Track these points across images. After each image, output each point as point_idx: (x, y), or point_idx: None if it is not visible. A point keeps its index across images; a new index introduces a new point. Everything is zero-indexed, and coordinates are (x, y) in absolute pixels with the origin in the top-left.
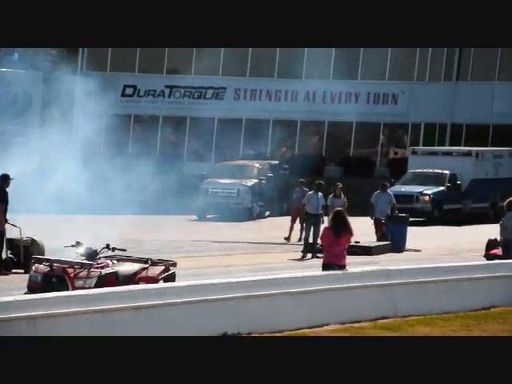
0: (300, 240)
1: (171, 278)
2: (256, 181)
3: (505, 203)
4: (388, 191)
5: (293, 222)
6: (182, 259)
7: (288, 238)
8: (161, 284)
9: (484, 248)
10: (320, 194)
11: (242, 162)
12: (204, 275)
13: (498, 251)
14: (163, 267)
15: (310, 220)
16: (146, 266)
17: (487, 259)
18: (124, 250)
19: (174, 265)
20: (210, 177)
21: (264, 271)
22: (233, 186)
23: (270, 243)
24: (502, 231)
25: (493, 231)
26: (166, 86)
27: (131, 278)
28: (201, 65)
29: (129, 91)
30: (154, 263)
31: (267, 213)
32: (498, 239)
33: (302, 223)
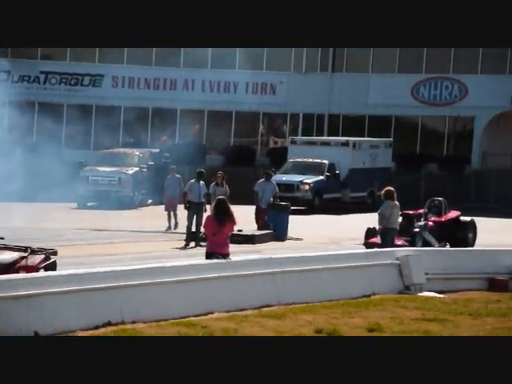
0: (169, 229)
1: (52, 266)
2: (137, 169)
3: (382, 192)
4: (272, 180)
5: (168, 210)
6: (62, 248)
7: (169, 228)
8: (41, 273)
9: (363, 236)
10: (202, 182)
11: (122, 149)
12: (86, 264)
13: (377, 239)
14: (43, 256)
15: (192, 208)
16: (26, 254)
17: (366, 247)
18: (2, 239)
19: (55, 253)
20: (90, 165)
21: (147, 260)
22: (113, 174)
23: (153, 231)
24: (380, 220)
25: (371, 220)
26: (41, 72)
27: (10, 267)
28: (76, 51)
29: (2, 76)
30: (34, 252)
31: (149, 201)
32: (377, 228)
33: (169, 212)
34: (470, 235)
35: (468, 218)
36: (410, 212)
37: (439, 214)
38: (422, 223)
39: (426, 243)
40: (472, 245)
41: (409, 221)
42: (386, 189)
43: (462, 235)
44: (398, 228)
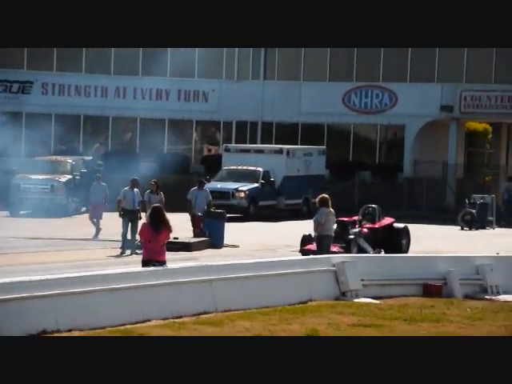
0: (96, 236)
1: None
2: (70, 176)
3: (317, 199)
4: (205, 188)
5: (91, 218)
6: None
7: (96, 235)
8: None
9: (299, 243)
10: (136, 190)
11: (54, 157)
12: (19, 272)
13: (313, 246)
14: None
15: (126, 216)
16: None
17: (302, 254)
18: None
19: None
20: (21, 172)
21: (82, 268)
22: (46, 181)
23: (87, 239)
24: (316, 227)
25: (307, 227)
26: None
27: None
28: (3, 57)
29: None
30: None
31: (83, 209)
32: (312, 235)
33: (92, 220)
34: (404, 241)
35: (401, 225)
36: (345, 219)
37: (373, 221)
38: (356, 230)
39: (361, 250)
40: (406, 251)
41: (343, 228)
42: (321, 196)
43: (396, 242)
44: (333, 235)
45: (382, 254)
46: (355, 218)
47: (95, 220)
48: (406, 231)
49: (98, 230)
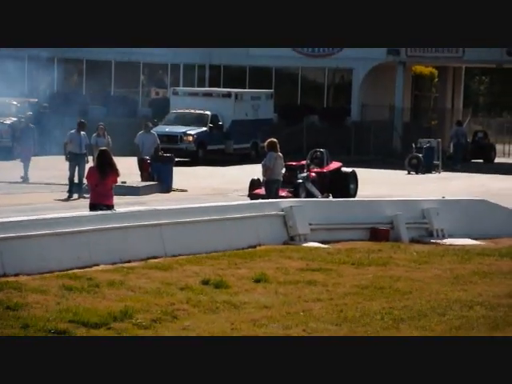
0: (23, 178)
1: None
2: (15, 119)
3: (265, 144)
4: (152, 131)
5: (23, 161)
6: None
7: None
8: None
9: (248, 188)
10: (83, 133)
11: None
12: None
13: (261, 190)
14: None
15: (73, 160)
16: None
17: (251, 198)
18: None
19: None
20: None
21: (29, 211)
22: None
23: (35, 183)
24: (264, 171)
25: (255, 171)
26: None
27: None
28: None
29: None
30: None
31: None
32: (261, 179)
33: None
34: (352, 186)
35: (349, 169)
36: (293, 163)
37: (321, 166)
38: (304, 174)
39: (309, 194)
40: (354, 195)
41: (292, 172)
42: (269, 140)
43: (343, 186)
44: (281, 179)
45: (330, 198)
46: (303, 162)
47: (24, 163)
48: (353, 175)
49: (26, 175)
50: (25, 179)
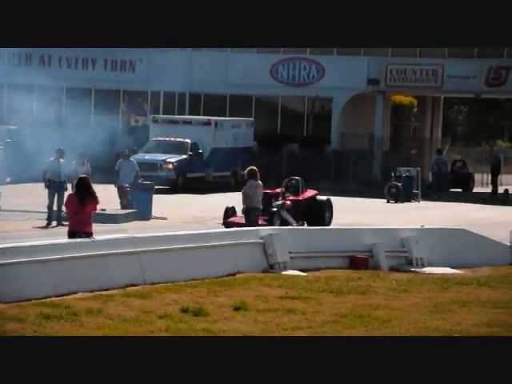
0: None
1: None
2: None
3: (245, 172)
4: (131, 159)
5: None
6: None
7: None
8: None
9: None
10: (62, 160)
11: None
12: None
13: (236, 219)
14: None
15: (52, 187)
16: None
17: (226, 227)
18: None
19: None
20: None
21: (7, 239)
22: None
23: (12, 210)
24: (244, 199)
25: (235, 199)
26: None
27: None
28: None
29: None
30: None
31: (8, 179)
32: (236, 207)
33: None
34: (327, 214)
35: (324, 197)
36: (268, 191)
37: (296, 193)
38: (279, 202)
39: (284, 222)
40: (329, 223)
41: (267, 200)
42: (249, 168)
43: (319, 214)
44: (261, 207)
45: (306, 226)
46: (278, 190)
47: None
48: (328, 203)
49: None
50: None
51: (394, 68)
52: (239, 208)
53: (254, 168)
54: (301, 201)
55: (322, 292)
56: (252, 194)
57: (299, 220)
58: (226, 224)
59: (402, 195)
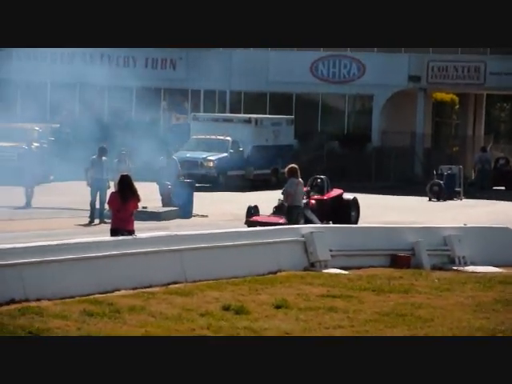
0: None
1: None
2: (37, 144)
3: (286, 170)
4: (173, 157)
5: (24, 185)
6: None
7: (27, 204)
8: None
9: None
10: (104, 158)
11: (21, 124)
12: None
13: (259, 217)
14: None
15: (94, 185)
16: None
17: (248, 226)
18: None
19: None
20: None
21: (51, 237)
22: (13, 149)
23: (56, 208)
24: (286, 197)
25: (275, 197)
26: None
27: None
28: None
29: None
30: None
31: (51, 177)
32: (276, 205)
33: (27, 188)
34: (353, 213)
35: (351, 196)
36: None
37: (321, 192)
38: (304, 201)
39: (308, 222)
40: (355, 223)
41: None
42: (290, 166)
43: (345, 213)
44: (302, 205)
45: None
46: (304, 189)
47: (28, 188)
48: (354, 202)
49: (29, 201)
50: (27, 205)
51: (436, 65)
52: (264, 206)
53: (295, 166)
54: (326, 200)
55: (363, 290)
56: (293, 193)
57: (324, 219)
58: (249, 223)
59: (444, 193)
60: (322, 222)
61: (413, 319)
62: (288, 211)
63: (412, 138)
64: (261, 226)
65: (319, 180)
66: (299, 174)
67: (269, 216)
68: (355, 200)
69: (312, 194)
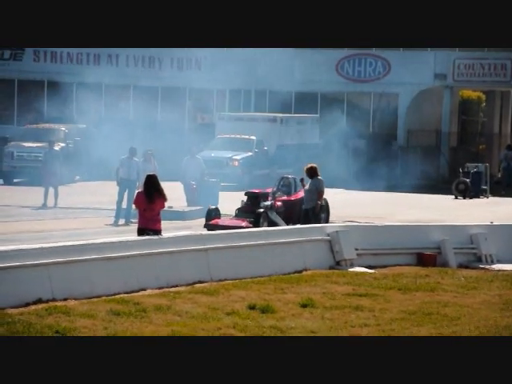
0: (44, 205)
1: None
2: (63, 145)
3: (305, 169)
4: (197, 156)
5: (45, 186)
6: None
7: (44, 204)
8: None
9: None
10: (136, 159)
11: (47, 125)
12: (15, 241)
13: (220, 220)
14: None
15: (122, 185)
16: None
17: (208, 229)
18: None
19: None
20: (14, 140)
21: (77, 236)
22: (39, 149)
23: (83, 208)
24: (320, 196)
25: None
26: None
27: None
28: None
29: None
30: None
31: (77, 177)
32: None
33: (46, 188)
34: (323, 215)
35: None
36: (256, 191)
37: (289, 193)
38: (268, 203)
39: (272, 224)
40: None
41: (253, 200)
42: (310, 166)
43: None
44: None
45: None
46: (269, 190)
47: (49, 188)
48: (325, 204)
49: (56, 200)
50: (46, 204)
51: (462, 62)
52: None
53: (315, 165)
54: (293, 201)
55: (389, 289)
56: (315, 190)
57: (291, 222)
58: (208, 226)
59: (470, 191)
60: (288, 224)
61: (439, 318)
62: (321, 209)
63: (438, 137)
64: (221, 229)
65: (287, 180)
66: (319, 172)
67: (230, 219)
68: (325, 201)
69: (279, 194)
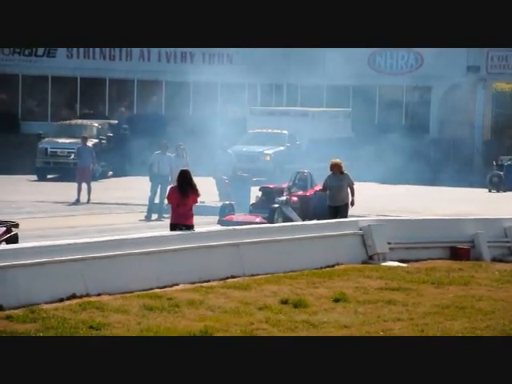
0: (78, 201)
1: (13, 239)
2: (96, 140)
3: (330, 164)
4: (229, 151)
5: (79, 182)
6: (23, 220)
7: (78, 200)
8: (3, 246)
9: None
10: (169, 154)
11: (80, 121)
12: (48, 236)
13: (234, 216)
14: (4, 228)
15: (155, 180)
16: None
17: (221, 225)
18: None
19: (16, 226)
20: (48, 136)
21: (111, 232)
22: (72, 145)
23: (116, 204)
24: (352, 192)
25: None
26: None
27: None
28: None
29: None
30: None
31: (110, 173)
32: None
33: (80, 184)
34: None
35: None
36: (270, 186)
37: (305, 188)
38: (283, 198)
39: (287, 220)
40: None
41: (268, 195)
42: (334, 162)
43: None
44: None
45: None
46: (284, 185)
47: (84, 184)
48: None
49: (89, 196)
50: (79, 200)
51: (495, 55)
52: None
53: (338, 160)
54: (309, 196)
55: (422, 283)
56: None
57: (307, 217)
58: (222, 222)
59: (504, 184)
60: (304, 220)
61: (473, 312)
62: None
63: (471, 129)
64: (234, 225)
65: (302, 175)
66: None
67: (245, 215)
68: None
69: (294, 189)
